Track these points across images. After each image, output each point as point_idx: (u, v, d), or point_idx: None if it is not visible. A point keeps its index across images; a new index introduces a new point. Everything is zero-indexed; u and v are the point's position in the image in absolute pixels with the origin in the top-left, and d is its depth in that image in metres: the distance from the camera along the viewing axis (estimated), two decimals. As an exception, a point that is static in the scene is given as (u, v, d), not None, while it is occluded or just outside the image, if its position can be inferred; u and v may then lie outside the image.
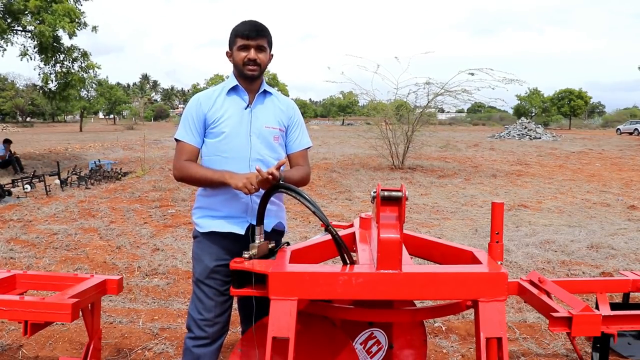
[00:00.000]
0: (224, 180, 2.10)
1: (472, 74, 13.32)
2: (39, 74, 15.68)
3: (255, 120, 2.24)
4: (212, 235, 2.23)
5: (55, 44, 14.77)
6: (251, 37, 2.18)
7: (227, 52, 2.29)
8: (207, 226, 2.24)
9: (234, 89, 2.25)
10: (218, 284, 2.22)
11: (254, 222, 2.14)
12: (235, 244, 2.20)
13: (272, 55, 2.31)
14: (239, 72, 2.23)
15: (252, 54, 2.18)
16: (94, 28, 15.58)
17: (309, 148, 2.43)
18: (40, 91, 16.97)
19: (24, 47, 14.58)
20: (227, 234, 2.21)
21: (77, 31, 14.61)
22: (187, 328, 2.28)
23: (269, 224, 2.26)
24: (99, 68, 16.59)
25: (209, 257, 2.22)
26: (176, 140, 2.27)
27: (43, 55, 14.69)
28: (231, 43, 2.24)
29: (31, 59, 14.67)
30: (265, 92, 2.30)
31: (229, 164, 2.17)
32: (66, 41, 15.22)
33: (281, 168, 2.13)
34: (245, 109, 2.24)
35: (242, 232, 2.21)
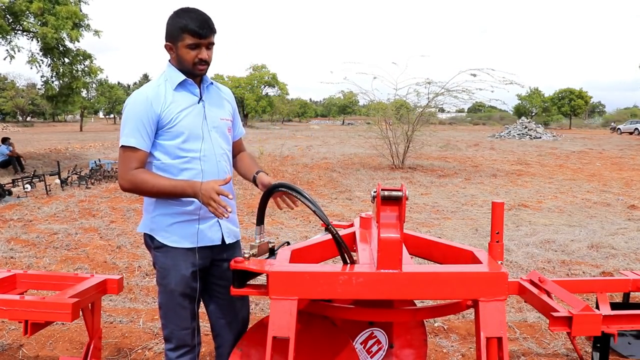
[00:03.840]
0: (184, 192, 1.97)
1: (474, 75, 13.31)
2: (41, 80, 15.76)
3: (210, 113, 2.12)
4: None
5: (60, 47, 14.78)
6: (204, 36, 2.00)
7: (166, 45, 2.06)
8: (177, 240, 2.08)
9: (181, 84, 2.07)
10: (194, 291, 2.12)
11: (226, 222, 2.14)
12: (206, 251, 2.13)
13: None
14: (185, 70, 2.06)
15: (204, 54, 2.02)
16: (97, 32, 15.52)
17: None
18: (44, 97, 17.02)
19: (31, 52, 14.64)
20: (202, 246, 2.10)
21: (81, 37, 14.62)
22: (165, 340, 2.18)
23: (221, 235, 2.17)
24: (101, 72, 16.59)
25: (184, 264, 2.08)
26: (124, 147, 2.01)
27: (50, 59, 14.71)
28: (176, 37, 2.01)
29: (39, 66, 14.69)
30: (209, 83, 2.18)
31: (195, 164, 2.05)
32: (69, 44, 15.25)
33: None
34: (198, 103, 2.10)
35: (218, 241, 2.14)
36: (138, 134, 1.99)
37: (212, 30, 2.03)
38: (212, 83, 2.20)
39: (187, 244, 2.09)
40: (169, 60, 2.11)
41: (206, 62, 2.05)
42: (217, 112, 2.16)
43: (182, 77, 2.07)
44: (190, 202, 2.06)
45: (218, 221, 2.14)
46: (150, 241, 2.16)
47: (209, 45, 2.05)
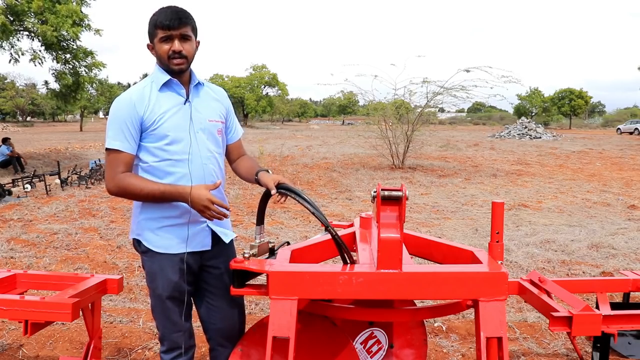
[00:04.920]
0: (174, 199, 1.95)
1: (468, 71, 13.35)
2: (52, 74, 15.86)
3: (196, 114, 2.06)
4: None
5: (61, 44, 14.85)
6: (173, 26, 1.95)
7: (148, 45, 2.05)
8: (164, 245, 2.05)
9: (166, 84, 2.03)
10: (183, 294, 2.10)
11: (218, 227, 2.13)
12: (195, 256, 2.11)
13: (199, 43, 2.10)
14: (164, 67, 2.03)
15: (177, 45, 1.96)
16: (97, 31, 15.55)
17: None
18: (50, 92, 17.10)
19: (33, 50, 14.71)
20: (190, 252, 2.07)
21: (81, 34, 14.69)
22: (159, 341, 2.20)
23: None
24: (104, 67, 16.60)
25: (171, 269, 2.06)
26: (109, 150, 1.98)
27: (52, 53, 14.79)
28: (151, 35, 2.01)
29: (42, 63, 14.75)
30: (198, 83, 2.13)
31: (181, 166, 2.01)
32: (71, 42, 15.29)
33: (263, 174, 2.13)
34: (184, 104, 2.06)
35: (208, 246, 2.11)
36: (122, 136, 1.97)
37: (182, 21, 1.97)
38: (201, 83, 2.15)
39: (173, 250, 2.06)
40: (156, 62, 2.08)
41: (181, 55, 1.99)
42: (205, 114, 2.10)
43: (167, 77, 2.02)
44: (176, 206, 2.03)
45: (208, 225, 2.11)
46: (137, 245, 2.14)
47: (183, 37, 1.99)
